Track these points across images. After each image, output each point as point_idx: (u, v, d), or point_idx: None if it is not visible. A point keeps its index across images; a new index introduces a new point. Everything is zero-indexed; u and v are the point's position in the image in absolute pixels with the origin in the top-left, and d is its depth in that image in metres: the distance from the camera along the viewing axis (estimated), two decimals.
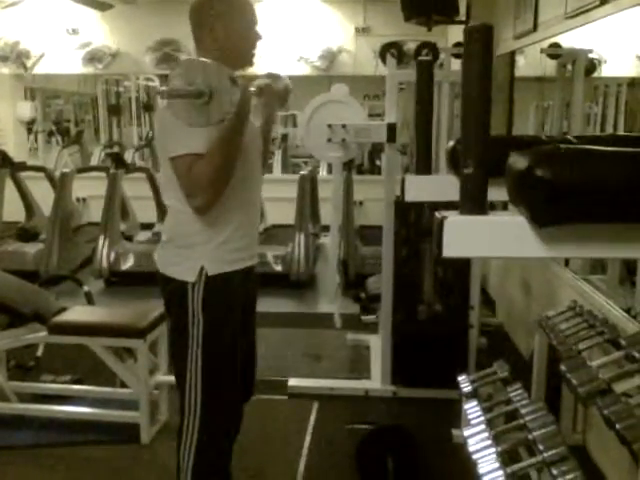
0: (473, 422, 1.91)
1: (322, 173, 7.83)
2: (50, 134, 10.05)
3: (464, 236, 0.98)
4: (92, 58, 8.44)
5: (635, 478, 2.02)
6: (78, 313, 3.31)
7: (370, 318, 4.47)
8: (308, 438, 3.12)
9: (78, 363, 3.61)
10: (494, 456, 1.71)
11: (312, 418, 3.30)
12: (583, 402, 1.79)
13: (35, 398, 3.34)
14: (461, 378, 2.24)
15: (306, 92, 5.51)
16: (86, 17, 8.08)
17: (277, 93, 2.23)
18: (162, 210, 5.90)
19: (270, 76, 2.24)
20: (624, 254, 1.04)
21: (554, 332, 2.34)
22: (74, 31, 8.40)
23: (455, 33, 5.83)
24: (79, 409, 3.25)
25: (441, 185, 1.70)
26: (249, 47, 2.08)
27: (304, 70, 8.43)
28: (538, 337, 2.63)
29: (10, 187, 6.50)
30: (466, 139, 0.95)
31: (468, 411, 1.99)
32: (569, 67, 4.05)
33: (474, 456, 1.73)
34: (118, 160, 6.59)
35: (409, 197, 1.80)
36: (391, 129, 3.42)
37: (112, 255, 5.66)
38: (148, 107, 9.63)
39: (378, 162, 8.67)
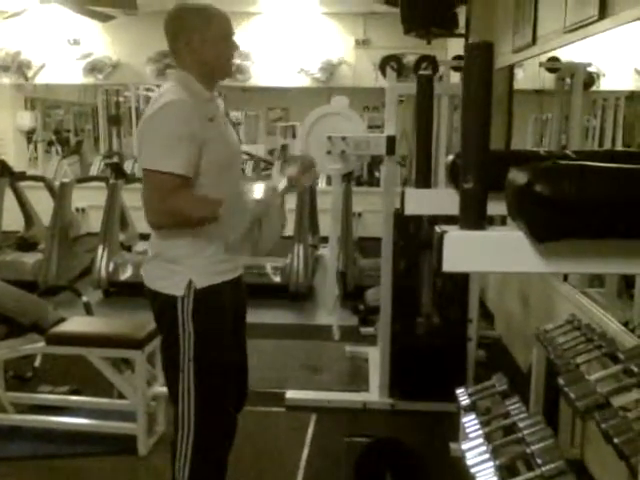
0: (471, 435, 1.91)
1: (321, 184, 7.84)
2: (50, 144, 10.07)
3: (464, 251, 0.99)
4: (93, 68, 8.49)
5: None
6: (76, 324, 3.31)
7: (369, 330, 4.47)
8: (306, 451, 3.11)
9: (76, 374, 3.59)
10: (492, 470, 1.71)
11: (310, 431, 3.29)
12: (581, 416, 1.79)
13: (32, 409, 3.33)
14: (459, 391, 2.24)
15: (306, 104, 5.53)
16: (87, 28, 8.13)
17: (306, 179, 2.25)
18: None
19: (296, 160, 2.30)
20: (622, 270, 1.04)
21: (552, 345, 2.34)
22: (75, 42, 8.45)
23: (455, 46, 5.86)
24: (76, 420, 3.24)
25: (441, 199, 1.71)
26: (227, 58, 2.10)
27: (304, 82, 8.48)
28: (536, 350, 2.63)
29: (9, 197, 6.50)
30: (466, 155, 0.96)
31: (466, 424, 1.99)
32: (568, 80, 4.08)
33: (472, 470, 1.73)
34: (118, 170, 6.59)
35: (409, 210, 1.80)
36: (390, 142, 3.44)
37: (111, 265, 5.66)
38: None
39: (377, 174, 8.68)
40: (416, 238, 3.62)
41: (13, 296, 3.44)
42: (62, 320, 3.26)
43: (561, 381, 1.86)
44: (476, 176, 0.93)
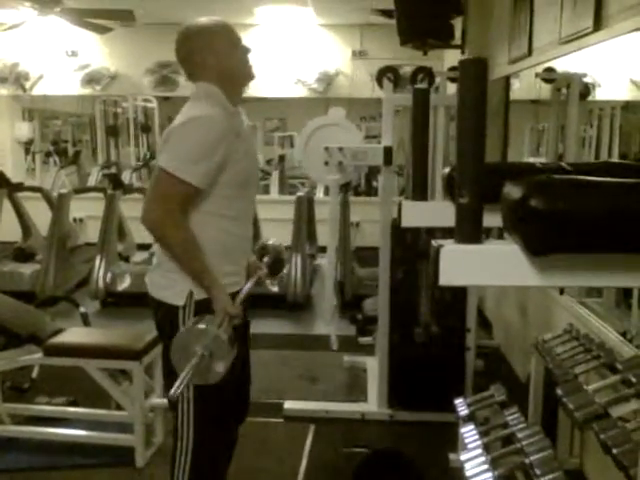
0: (470, 446, 1.90)
1: (319, 194, 7.86)
2: (48, 154, 10.08)
3: (460, 265, 1.00)
4: (91, 79, 8.51)
5: None
6: (74, 335, 3.30)
7: (367, 340, 4.46)
8: (304, 462, 3.10)
9: (73, 385, 3.58)
10: None
11: (308, 441, 3.29)
12: (580, 426, 1.79)
13: (29, 420, 3.32)
14: (458, 401, 2.24)
15: (303, 114, 5.55)
16: (85, 40, 8.17)
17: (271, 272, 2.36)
18: None
19: (268, 251, 2.39)
20: (617, 283, 1.05)
21: (550, 356, 2.34)
22: (73, 53, 8.48)
23: (451, 56, 5.89)
24: (74, 431, 3.23)
25: (437, 211, 1.72)
26: (244, 62, 2.14)
27: (301, 92, 8.50)
28: (534, 361, 2.63)
29: (7, 207, 6.50)
30: (461, 170, 0.96)
31: (465, 435, 1.99)
32: (564, 91, 4.09)
33: None
34: (115, 181, 6.61)
35: (406, 222, 1.81)
36: (387, 152, 3.45)
37: (109, 276, 5.66)
38: (146, 128, 9.67)
39: (375, 183, 8.69)
40: (414, 248, 3.62)
41: (10, 307, 3.43)
42: (60, 331, 3.26)
43: (560, 391, 1.86)
44: (471, 191, 0.94)
